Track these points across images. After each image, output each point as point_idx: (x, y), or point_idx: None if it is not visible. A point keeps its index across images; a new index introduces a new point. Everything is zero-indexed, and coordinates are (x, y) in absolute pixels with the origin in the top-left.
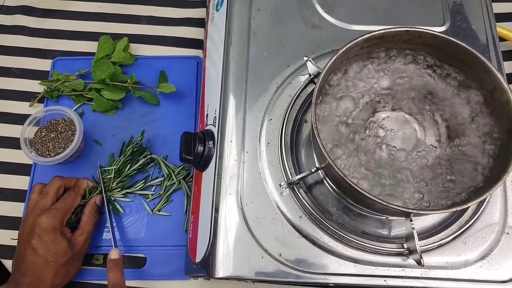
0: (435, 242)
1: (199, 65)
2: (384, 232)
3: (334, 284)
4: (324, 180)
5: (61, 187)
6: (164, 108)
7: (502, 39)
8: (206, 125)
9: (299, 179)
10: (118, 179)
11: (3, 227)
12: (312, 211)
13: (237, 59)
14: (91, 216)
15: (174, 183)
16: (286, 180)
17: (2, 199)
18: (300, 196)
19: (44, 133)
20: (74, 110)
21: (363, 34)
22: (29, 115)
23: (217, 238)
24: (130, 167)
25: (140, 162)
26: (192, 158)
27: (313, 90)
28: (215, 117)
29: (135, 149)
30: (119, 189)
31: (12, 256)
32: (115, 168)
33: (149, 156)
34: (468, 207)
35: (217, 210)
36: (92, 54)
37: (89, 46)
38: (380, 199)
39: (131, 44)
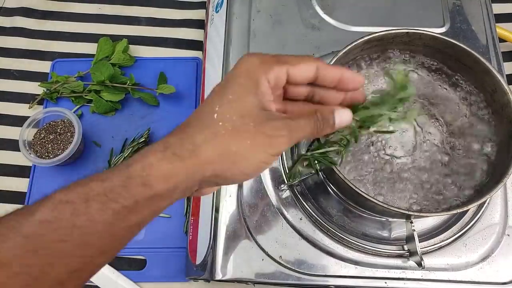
0: (436, 244)
1: (198, 66)
2: (385, 234)
3: (334, 286)
4: (325, 182)
5: None
6: (164, 110)
7: (502, 40)
8: None
9: (299, 181)
10: None
11: None
12: (313, 213)
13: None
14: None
15: None
16: (286, 182)
17: (1, 201)
18: (301, 198)
19: (43, 135)
20: (74, 112)
21: (363, 36)
22: (28, 117)
23: (217, 240)
24: None
25: None
26: None
27: None
28: None
29: (140, 146)
30: None
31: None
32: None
33: None
34: (469, 209)
35: (217, 212)
36: (92, 55)
37: (89, 48)
38: (381, 201)
39: (130, 46)
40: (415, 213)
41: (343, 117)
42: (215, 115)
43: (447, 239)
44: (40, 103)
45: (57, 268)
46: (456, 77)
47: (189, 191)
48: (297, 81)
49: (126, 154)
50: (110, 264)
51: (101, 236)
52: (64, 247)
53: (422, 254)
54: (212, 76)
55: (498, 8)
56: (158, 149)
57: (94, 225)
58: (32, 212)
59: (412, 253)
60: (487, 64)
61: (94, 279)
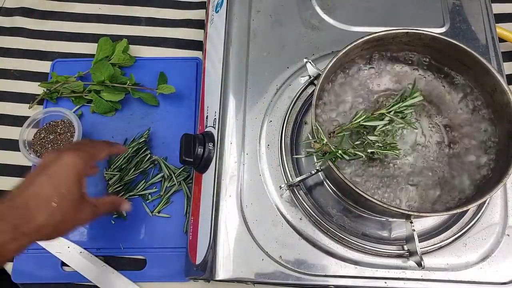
0: (436, 244)
1: (198, 66)
2: (384, 234)
3: (334, 286)
4: (324, 182)
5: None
6: (164, 110)
7: (502, 40)
8: (206, 126)
9: (299, 181)
10: (123, 182)
11: None
12: (312, 213)
13: (237, 61)
14: (111, 206)
15: (174, 184)
16: (286, 182)
17: None
18: (300, 198)
19: (43, 135)
20: (74, 112)
21: (362, 36)
22: (28, 117)
23: (217, 240)
24: (135, 169)
25: (145, 161)
26: (192, 160)
27: (313, 91)
28: (215, 118)
29: (140, 146)
30: (123, 193)
31: (12, 259)
32: (118, 166)
33: (149, 156)
34: (469, 209)
35: (217, 212)
36: (92, 55)
37: (89, 48)
38: (380, 201)
39: (130, 46)
40: (415, 213)
41: (126, 206)
42: (53, 203)
43: (447, 239)
44: (40, 103)
45: None
46: (456, 77)
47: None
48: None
49: (126, 154)
50: (110, 265)
51: None
52: None
53: (422, 254)
54: (212, 76)
55: (498, 8)
56: (8, 229)
57: None
58: None
59: (412, 253)
60: (487, 64)
61: (95, 280)
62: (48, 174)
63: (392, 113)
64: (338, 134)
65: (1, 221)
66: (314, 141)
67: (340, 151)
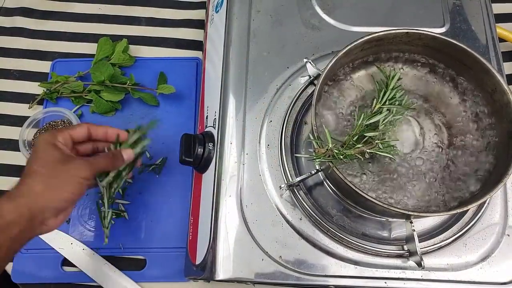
0: (436, 244)
1: (198, 66)
2: (384, 234)
3: (334, 286)
4: (324, 182)
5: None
6: (164, 110)
7: (502, 40)
8: (206, 126)
9: (299, 181)
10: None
11: None
12: (312, 213)
13: (237, 61)
14: (111, 159)
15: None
16: (286, 182)
17: None
18: (300, 198)
19: None
20: (74, 112)
21: (363, 36)
22: (28, 117)
23: (217, 240)
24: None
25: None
26: (192, 160)
27: (313, 91)
28: (215, 118)
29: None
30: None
31: (12, 259)
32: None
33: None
34: (469, 209)
35: (217, 212)
36: (92, 55)
37: (89, 48)
38: (380, 201)
39: (130, 46)
40: (415, 213)
41: (128, 153)
42: (35, 167)
43: (447, 239)
44: (40, 103)
45: None
46: (456, 77)
47: (30, 224)
48: (79, 139)
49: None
50: (112, 263)
51: None
52: None
53: (422, 254)
54: (212, 76)
55: (498, 8)
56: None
57: None
58: None
59: (412, 253)
60: (487, 64)
61: (96, 278)
62: (29, 160)
63: (387, 103)
64: (350, 143)
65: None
66: (318, 146)
67: (342, 156)
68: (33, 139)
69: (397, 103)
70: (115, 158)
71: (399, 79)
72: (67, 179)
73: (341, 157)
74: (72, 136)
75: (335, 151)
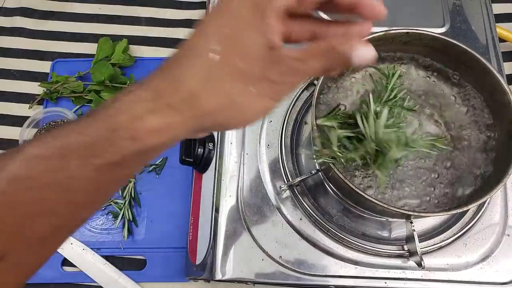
0: (436, 244)
1: None
2: (385, 234)
3: (334, 286)
4: (324, 182)
5: None
6: None
7: (502, 40)
8: None
9: (299, 181)
10: None
11: None
12: (312, 213)
13: None
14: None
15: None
16: (286, 182)
17: None
18: (300, 198)
19: None
20: (74, 112)
21: None
22: (28, 117)
23: (217, 240)
24: None
25: None
26: (192, 160)
27: (313, 91)
28: None
29: None
30: None
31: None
32: None
33: None
34: (469, 209)
35: (217, 212)
36: (92, 56)
37: (89, 48)
38: (380, 201)
39: (130, 46)
40: (415, 213)
41: (365, 52)
42: (212, 54)
43: (447, 239)
44: (40, 103)
45: (37, 225)
46: (456, 77)
47: (183, 139)
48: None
49: None
50: (112, 263)
51: (85, 193)
52: (44, 205)
53: (422, 254)
54: None
55: (498, 8)
56: (147, 97)
57: (75, 182)
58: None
59: (412, 253)
60: (487, 64)
61: (97, 278)
62: (210, 13)
63: (389, 103)
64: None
65: (140, 88)
66: (323, 148)
67: (344, 158)
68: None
69: (398, 103)
70: (339, 57)
71: (399, 76)
72: (261, 99)
73: (343, 160)
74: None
75: (339, 154)
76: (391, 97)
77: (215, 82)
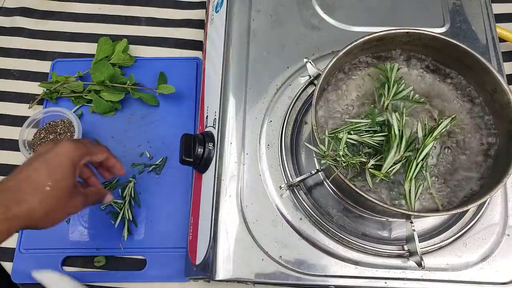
0: (436, 244)
1: (198, 66)
2: (385, 234)
3: (334, 286)
4: (325, 182)
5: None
6: (164, 110)
7: (502, 40)
8: (206, 126)
9: (300, 181)
10: None
11: None
12: (313, 213)
13: (237, 61)
14: (98, 196)
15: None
16: (286, 182)
17: None
18: (300, 198)
19: (43, 135)
20: (73, 112)
21: (363, 35)
22: (28, 117)
23: (217, 240)
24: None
25: None
26: (192, 160)
27: (313, 91)
28: (215, 118)
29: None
30: None
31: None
32: None
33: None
34: (469, 209)
35: (217, 212)
36: (92, 55)
37: (89, 48)
38: (380, 201)
39: (130, 46)
40: (415, 213)
41: (109, 198)
42: (47, 188)
43: (447, 239)
44: (40, 103)
45: None
46: (456, 77)
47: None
48: (93, 163)
49: None
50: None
51: None
52: None
53: (422, 254)
54: (212, 76)
55: (498, 8)
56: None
57: None
58: None
59: (412, 253)
60: (487, 64)
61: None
62: (44, 159)
63: (395, 98)
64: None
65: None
66: (329, 151)
67: (349, 161)
68: (33, 139)
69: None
70: (101, 197)
71: (398, 69)
72: (64, 211)
73: (344, 164)
74: (89, 161)
75: (343, 159)
76: (398, 91)
77: (45, 204)
